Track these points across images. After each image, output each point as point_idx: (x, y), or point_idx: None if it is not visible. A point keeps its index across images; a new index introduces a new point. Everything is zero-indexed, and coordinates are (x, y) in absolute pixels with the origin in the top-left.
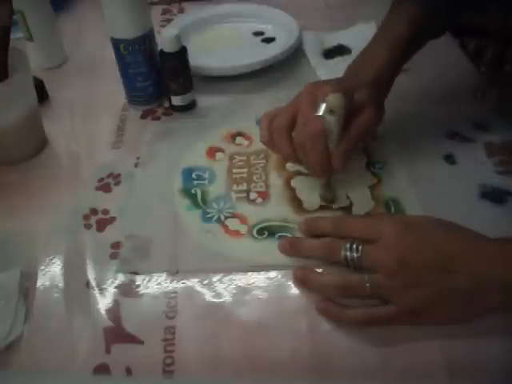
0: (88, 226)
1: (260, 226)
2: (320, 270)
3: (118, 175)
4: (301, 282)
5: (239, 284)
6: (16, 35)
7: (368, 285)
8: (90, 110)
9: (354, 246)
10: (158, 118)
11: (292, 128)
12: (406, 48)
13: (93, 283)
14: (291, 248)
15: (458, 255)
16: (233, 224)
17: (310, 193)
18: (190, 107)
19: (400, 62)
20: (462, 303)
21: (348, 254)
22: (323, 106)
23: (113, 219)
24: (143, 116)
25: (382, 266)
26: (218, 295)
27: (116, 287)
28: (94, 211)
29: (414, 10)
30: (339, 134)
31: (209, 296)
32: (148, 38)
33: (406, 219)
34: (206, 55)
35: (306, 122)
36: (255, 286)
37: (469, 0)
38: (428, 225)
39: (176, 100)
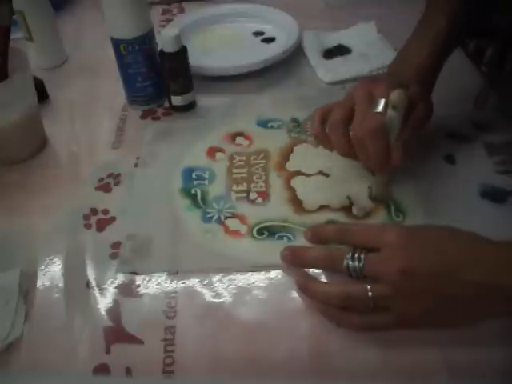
0: (88, 226)
1: (260, 225)
2: (323, 278)
3: (118, 175)
4: (302, 291)
5: (239, 284)
6: (16, 35)
7: (370, 294)
8: (90, 110)
9: (356, 255)
10: (158, 118)
11: (348, 123)
12: (446, 43)
13: (93, 283)
14: (293, 258)
15: (461, 264)
16: (233, 224)
17: (310, 193)
18: (190, 107)
19: (442, 58)
20: (463, 311)
21: (350, 263)
22: (382, 103)
23: (113, 219)
24: (143, 116)
25: (384, 276)
26: (218, 295)
27: (116, 287)
28: (94, 211)
29: (453, 4)
30: (399, 129)
31: (209, 296)
32: (148, 38)
33: (409, 229)
34: (206, 55)
35: (363, 117)
36: (255, 286)
37: None
38: (431, 234)
39: (176, 100)
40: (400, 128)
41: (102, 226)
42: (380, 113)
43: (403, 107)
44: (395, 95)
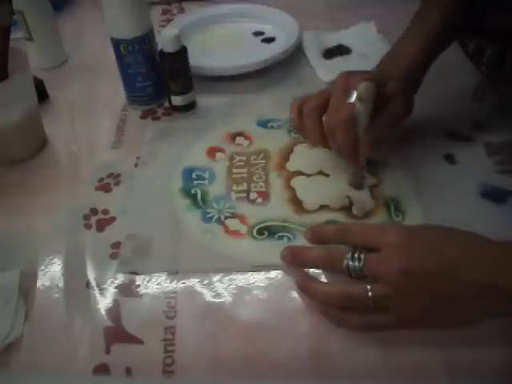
0: (88, 226)
1: (260, 225)
2: (323, 278)
3: (118, 175)
4: (302, 291)
5: (239, 284)
6: (16, 35)
7: (370, 294)
8: (90, 110)
9: (356, 255)
10: (158, 118)
11: (323, 112)
12: (438, 40)
13: (93, 283)
14: (293, 258)
15: (461, 264)
16: (233, 224)
17: (309, 193)
18: (190, 107)
19: (432, 56)
20: (463, 311)
21: (350, 263)
22: (355, 94)
23: (113, 219)
24: (143, 116)
25: (384, 276)
26: (218, 295)
27: (116, 287)
28: (94, 211)
29: (446, 1)
30: (367, 122)
31: (209, 296)
32: (148, 38)
33: (409, 228)
34: (206, 55)
35: (337, 107)
36: (255, 286)
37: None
38: (431, 234)
39: (176, 100)
40: (368, 121)
41: (101, 226)
42: (352, 103)
43: (370, 100)
44: (361, 87)
